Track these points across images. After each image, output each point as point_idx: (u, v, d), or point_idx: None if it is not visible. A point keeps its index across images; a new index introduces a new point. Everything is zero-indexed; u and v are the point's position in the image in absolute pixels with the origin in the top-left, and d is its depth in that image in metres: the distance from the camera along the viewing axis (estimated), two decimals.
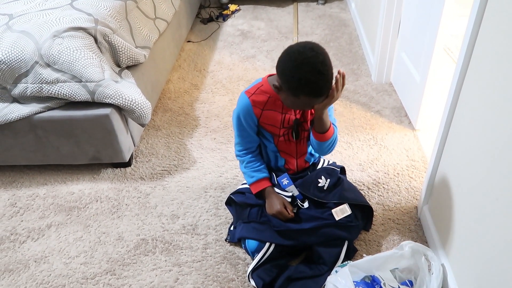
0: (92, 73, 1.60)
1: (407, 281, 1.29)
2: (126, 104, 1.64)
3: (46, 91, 1.61)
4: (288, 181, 1.44)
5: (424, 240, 1.45)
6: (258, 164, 1.45)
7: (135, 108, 1.67)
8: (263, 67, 2.63)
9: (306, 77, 1.13)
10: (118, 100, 1.63)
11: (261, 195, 1.43)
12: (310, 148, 1.48)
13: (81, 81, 1.60)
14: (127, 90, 1.67)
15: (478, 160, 1.08)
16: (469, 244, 1.16)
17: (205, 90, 2.44)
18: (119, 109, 1.70)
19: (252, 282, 1.34)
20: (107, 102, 1.63)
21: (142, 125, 1.78)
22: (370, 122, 2.06)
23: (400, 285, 1.26)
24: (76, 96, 1.61)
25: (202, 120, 2.18)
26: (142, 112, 1.70)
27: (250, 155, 1.45)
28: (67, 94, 1.61)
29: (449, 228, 1.30)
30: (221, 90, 2.42)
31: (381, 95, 2.26)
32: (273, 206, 1.37)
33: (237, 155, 1.48)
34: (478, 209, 1.09)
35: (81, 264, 1.46)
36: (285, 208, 1.36)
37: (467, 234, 1.17)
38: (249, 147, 1.45)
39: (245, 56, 2.78)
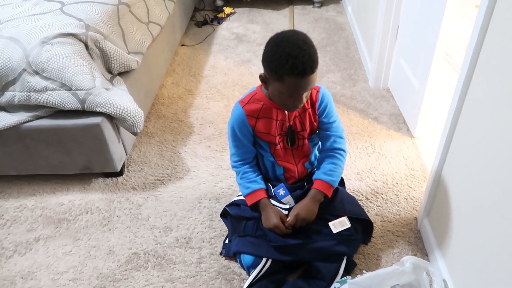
0: (82, 81, 1.55)
1: None
2: (117, 112, 1.59)
3: (34, 100, 1.55)
4: (284, 192, 1.40)
5: (424, 253, 1.42)
6: (255, 175, 1.40)
7: (127, 117, 1.62)
8: (259, 71, 2.57)
9: (286, 52, 1.10)
10: (109, 109, 1.58)
11: (256, 207, 1.38)
12: (312, 154, 1.44)
13: (70, 89, 1.55)
14: (119, 98, 1.62)
15: (482, 171, 1.05)
16: (471, 258, 1.12)
17: (199, 95, 2.39)
18: (110, 117, 1.64)
19: None
20: (98, 110, 1.57)
21: (135, 134, 1.73)
22: (367, 129, 2.02)
23: None
24: (66, 104, 1.56)
25: (196, 127, 2.13)
26: (134, 120, 1.65)
27: (246, 166, 1.40)
28: (56, 103, 1.55)
29: (451, 241, 1.26)
30: (216, 96, 2.38)
31: (379, 101, 2.23)
32: (269, 219, 1.32)
33: (233, 166, 1.43)
34: (481, 221, 1.05)
35: (70, 280, 1.41)
36: (282, 222, 1.32)
37: (470, 247, 1.13)
38: (246, 158, 1.40)
39: (241, 60, 2.74)
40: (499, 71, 0.97)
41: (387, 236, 1.49)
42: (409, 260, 1.23)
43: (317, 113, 1.34)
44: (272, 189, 1.41)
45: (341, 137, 1.39)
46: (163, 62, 2.43)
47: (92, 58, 1.65)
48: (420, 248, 1.44)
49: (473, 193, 1.11)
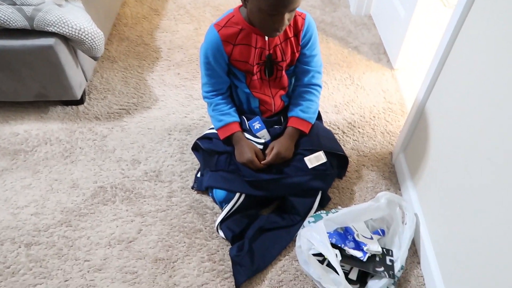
0: None
1: (379, 230, 1.27)
2: (73, 33, 1.40)
3: None
4: (260, 125, 1.32)
5: (398, 188, 1.42)
6: (228, 107, 1.30)
7: (84, 38, 1.43)
8: None
9: None
10: (63, 29, 1.38)
11: (229, 141, 1.31)
12: (290, 86, 1.35)
13: (15, 4, 1.33)
14: (74, 17, 1.42)
15: (466, 108, 1.00)
16: (443, 193, 1.13)
17: (166, 16, 2.17)
18: (65, 39, 1.45)
19: (221, 234, 1.27)
20: (49, 30, 1.38)
21: (95, 58, 1.56)
22: (347, 59, 1.92)
23: (372, 234, 1.24)
24: (11, 22, 1.35)
25: (164, 51, 1.95)
26: (93, 43, 1.47)
27: (219, 97, 1.30)
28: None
29: (425, 177, 1.26)
30: (185, 17, 2.16)
31: (360, 29, 2.10)
32: (243, 154, 1.26)
33: (204, 97, 1.32)
34: (457, 158, 1.04)
35: (31, 215, 1.33)
36: (256, 156, 1.26)
37: (443, 183, 1.13)
38: (218, 88, 1.29)
39: None
40: (496, 8, 0.88)
41: (362, 170, 1.48)
42: (384, 196, 1.23)
43: (300, 43, 1.22)
44: (246, 122, 1.33)
45: (319, 72, 1.31)
46: None
47: None
48: (393, 182, 1.44)
49: (454, 129, 1.07)
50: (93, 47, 1.48)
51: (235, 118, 1.30)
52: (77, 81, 1.57)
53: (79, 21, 1.42)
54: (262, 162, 1.25)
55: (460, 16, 1.03)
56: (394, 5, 1.82)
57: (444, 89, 1.15)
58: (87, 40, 1.45)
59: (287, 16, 1.06)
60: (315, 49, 1.27)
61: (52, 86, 1.53)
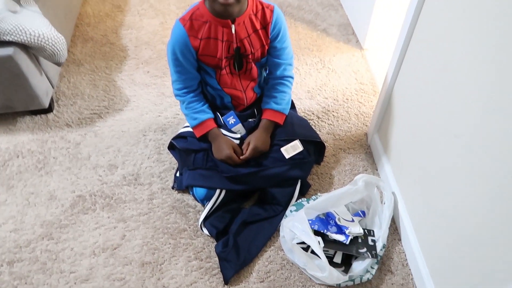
0: None
1: (359, 211, 1.30)
2: (31, 41, 1.35)
3: None
4: (235, 120, 1.32)
5: (375, 168, 1.45)
6: (201, 104, 1.29)
7: (44, 44, 1.39)
8: None
9: None
10: (21, 37, 1.33)
11: (205, 138, 1.30)
12: (261, 77, 1.34)
13: None
14: (31, 23, 1.36)
15: (433, 84, 1.02)
16: (416, 171, 1.16)
17: (130, 12, 2.11)
18: (25, 47, 1.40)
19: (205, 231, 1.27)
20: (6, 40, 1.32)
21: (58, 64, 1.51)
22: (316, 42, 1.92)
23: (353, 217, 1.26)
24: None
25: (131, 49, 1.91)
26: (55, 48, 1.42)
27: (191, 94, 1.28)
28: None
29: (399, 155, 1.29)
30: (150, 12, 2.11)
31: (327, 10, 2.10)
32: (221, 150, 1.26)
33: (176, 95, 1.30)
34: (428, 135, 1.06)
35: (10, 232, 1.30)
36: (235, 152, 1.26)
37: (414, 160, 1.16)
38: (190, 85, 1.28)
39: None
40: None
41: (339, 154, 1.50)
42: (361, 179, 1.25)
43: (269, 36, 1.21)
44: (221, 118, 1.32)
45: (290, 64, 1.32)
46: None
47: None
48: (370, 163, 1.47)
49: (421, 108, 1.10)
50: (55, 53, 1.44)
51: (210, 114, 1.30)
52: (43, 89, 1.52)
53: (36, 27, 1.37)
54: (240, 157, 1.25)
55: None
56: None
57: (411, 68, 1.17)
58: (47, 46, 1.40)
59: None
60: (285, 42, 1.26)
61: (17, 97, 1.48)
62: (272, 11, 1.19)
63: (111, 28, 2.01)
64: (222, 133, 1.29)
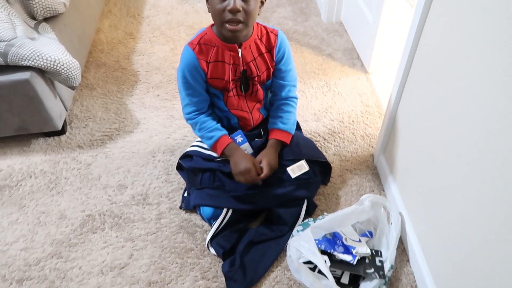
0: (0, 31, 1.34)
1: (367, 232, 1.30)
2: (48, 65, 1.41)
3: None
4: (242, 139, 1.34)
5: (381, 189, 1.46)
6: (214, 122, 1.31)
7: (60, 69, 1.45)
8: (205, 8, 2.39)
9: None
10: (38, 62, 1.39)
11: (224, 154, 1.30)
12: (266, 98, 1.38)
13: None
14: (48, 49, 1.43)
15: (436, 105, 1.04)
16: (424, 192, 1.16)
17: (142, 39, 2.19)
18: (41, 71, 1.46)
19: (212, 251, 1.28)
20: (24, 64, 1.39)
21: (72, 88, 1.57)
22: (322, 67, 1.97)
23: (360, 237, 1.26)
24: None
25: (142, 74, 1.97)
26: (70, 73, 1.48)
27: (203, 115, 1.30)
28: None
29: (405, 176, 1.29)
30: (160, 39, 2.19)
31: (332, 36, 2.15)
32: (240, 163, 1.23)
33: (187, 119, 1.33)
34: (434, 156, 1.07)
35: (21, 250, 1.32)
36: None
37: (421, 181, 1.17)
38: (201, 107, 1.30)
39: None
40: (456, 6, 0.92)
41: (346, 175, 1.51)
42: (367, 199, 1.26)
43: (274, 59, 1.26)
44: (229, 136, 1.35)
45: (294, 86, 1.36)
46: (95, 2, 2.18)
47: (8, 1, 1.42)
48: (377, 184, 1.47)
49: (425, 129, 1.11)
50: (70, 77, 1.50)
51: (224, 131, 1.31)
52: (57, 112, 1.57)
53: (53, 52, 1.44)
54: (260, 176, 1.24)
55: (420, 16, 1.07)
56: (362, 10, 1.87)
57: (413, 90, 1.19)
58: (63, 70, 1.46)
59: (239, 1, 1.06)
60: (290, 64, 1.30)
61: (32, 119, 1.53)
62: (276, 35, 1.24)
63: (123, 54, 2.08)
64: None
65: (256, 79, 1.27)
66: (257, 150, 1.33)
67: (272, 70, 1.28)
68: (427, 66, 1.09)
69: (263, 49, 1.24)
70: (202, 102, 1.30)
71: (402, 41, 1.78)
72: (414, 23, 1.12)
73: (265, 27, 1.25)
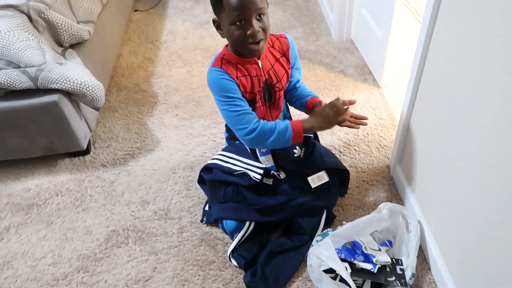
0: (31, 57, 1.43)
1: (386, 241, 1.31)
2: (75, 88, 1.50)
3: None
4: (266, 149, 1.36)
5: (399, 199, 1.47)
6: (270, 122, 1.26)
7: (85, 91, 1.53)
8: None
9: None
10: (65, 85, 1.48)
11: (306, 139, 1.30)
12: (284, 106, 1.42)
13: (19, 67, 1.43)
14: (74, 72, 1.52)
15: (447, 115, 1.07)
16: (442, 199, 1.17)
17: (160, 63, 2.29)
18: (68, 94, 1.55)
19: (234, 262, 1.30)
20: (53, 87, 1.47)
21: (97, 109, 1.64)
22: (335, 83, 2.02)
23: (380, 246, 1.27)
24: (17, 84, 1.44)
25: (161, 96, 2.05)
26: (95, 95, 1.56)
27: (259, 120, 1.22)
28: (6, 83, 1.43)
29: (422, 185, 1.31)
30: (178, 62, 2.28)
31: (344, 53, 2.21)
32: (324, 112, 1.23)
33: (251, 131, 1.18)
34: (449, 164, 1.09)
35: (49, 265, 1.37)
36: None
37: (440, 189, 1.18)
38: (253, 118, 1.21)
39: (199, 22, 2.63)
40: (461, 17, 0.96)
41: (363, 186, 1.53)
42: (385, 207, 1.27)
43: (290, 62, 1.31)
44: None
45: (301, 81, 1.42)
46: (116, 30, 2.29)
47: (38, 30, 1.52)
48: (394, 194, 1.49)
49: (438, 137, 1.14)
50: (95, 99, 1.58)
51: (286, 121, 1.24)
52: (82, 133, 1.65)
53: (79, 76, 1.52)
54: (345, 102, 1.26)
55: (427, 29, 1.12)
56: (372, 27, 1.93)
57: (424, 101, 1.22)
58: (88, 92, 1.54)
59: (256, 23, 1.10)
60: (299, 63, 1.38)
61: (59, 140, 1.61)
62: (286, 38, 1.30)
63: (143, 77, 2.18)
64: (244, 162, 1.35)
65: (277, 85, 1.30)
66: (278, 165, 1.35)
67: (290, 72, 1.33)
68: (436, 77, 1.13)
69: (278, 55, 1.29)
70: (251, 112, 1.22)
71: (412, 54, 1.83)
72: (421, 37, 1.16)
73: (272, 35, 1.30)
